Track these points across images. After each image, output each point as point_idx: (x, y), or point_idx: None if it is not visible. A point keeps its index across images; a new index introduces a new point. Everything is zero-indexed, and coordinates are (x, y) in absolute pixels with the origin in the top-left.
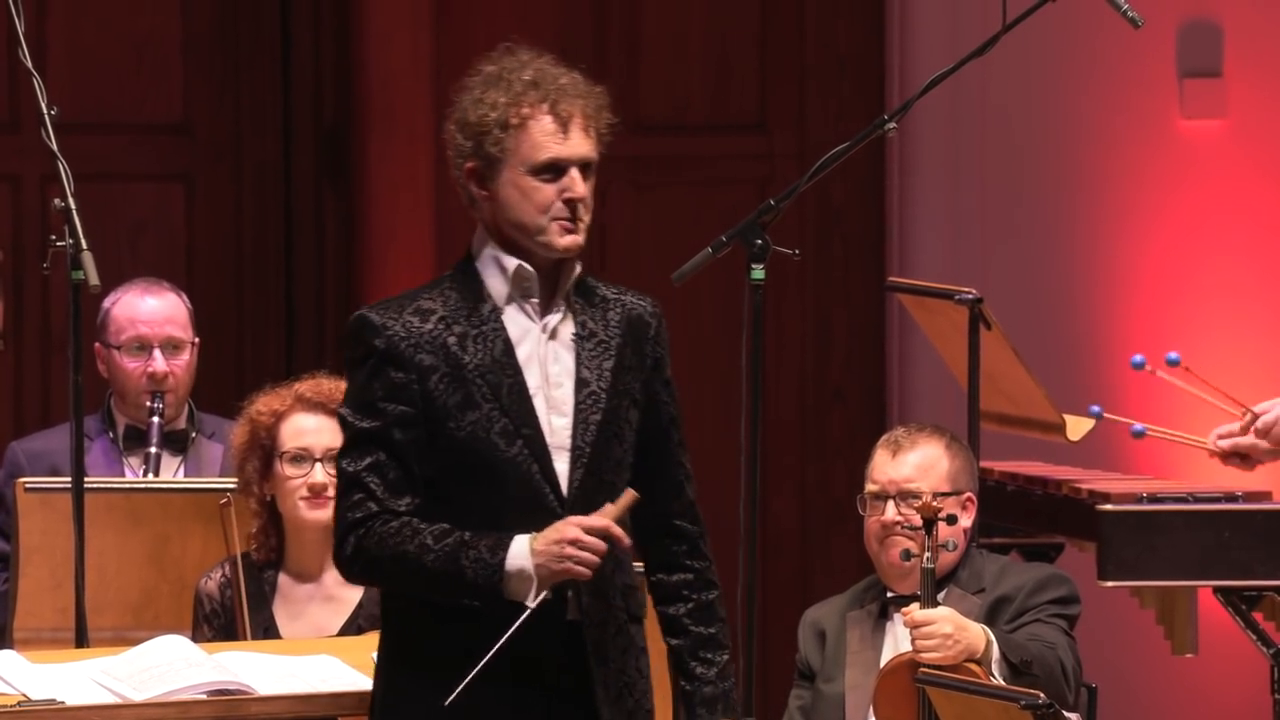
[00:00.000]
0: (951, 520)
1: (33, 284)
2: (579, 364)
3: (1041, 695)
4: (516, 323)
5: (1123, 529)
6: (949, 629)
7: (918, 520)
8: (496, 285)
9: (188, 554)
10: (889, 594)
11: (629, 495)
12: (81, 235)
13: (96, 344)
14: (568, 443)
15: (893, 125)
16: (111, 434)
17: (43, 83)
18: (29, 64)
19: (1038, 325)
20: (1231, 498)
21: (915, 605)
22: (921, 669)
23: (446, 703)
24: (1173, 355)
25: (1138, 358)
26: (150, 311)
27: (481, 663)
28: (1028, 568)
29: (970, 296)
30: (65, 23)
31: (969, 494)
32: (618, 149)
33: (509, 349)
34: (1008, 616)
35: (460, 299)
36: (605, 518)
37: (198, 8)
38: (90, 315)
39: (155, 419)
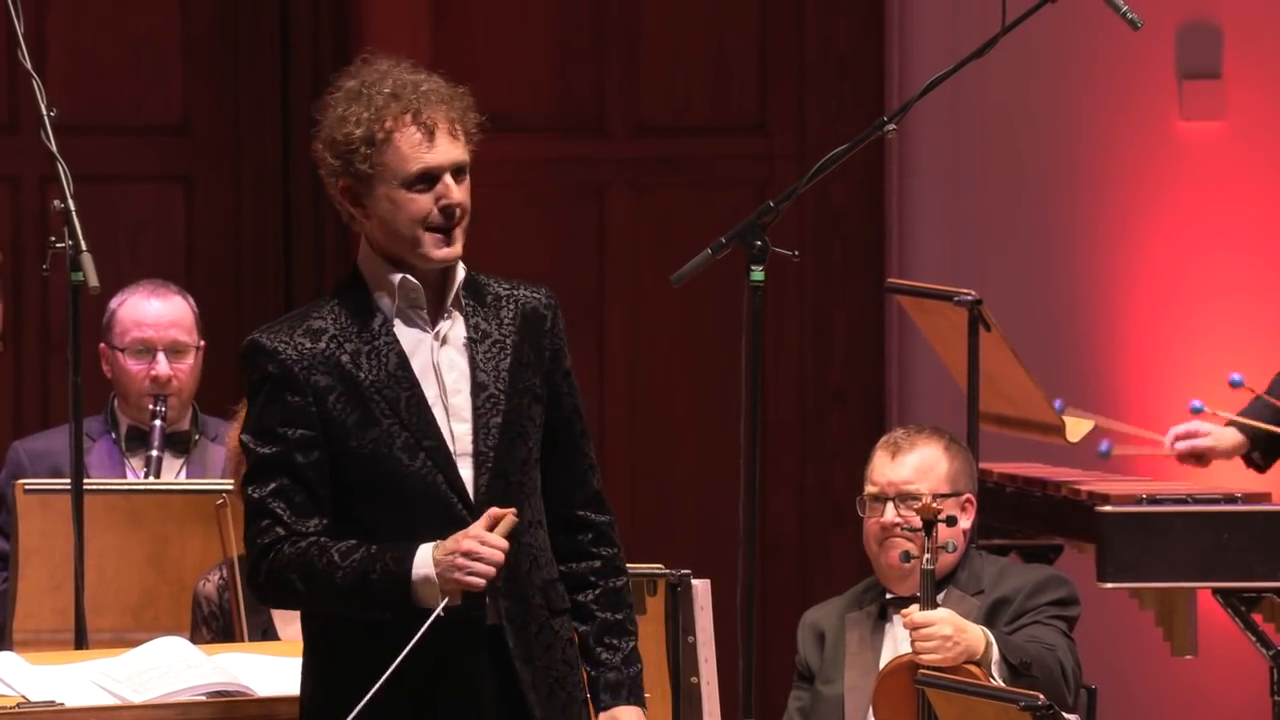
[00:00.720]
0: (951, 522)
1: (32, 285)
2: (474, 368)
3: (1041, 697)
4: (408, 334)
5: (1122, 530)
6: (948, 630)
7: (917, 522)
8: (384, 299)
9: (187, 555)
10: (888, 595)
11: (509, 520)
12: (81, 236)
13: (101, 344)
14: (470, 449)
15: (892, 127)
16: (114, 434)
17: (42, 84)
18: (28, 65)
19: (1037, 327)
20: (1231, 499)
21: (915, 607)
22: (921, 670)
23: (349, 718)
24: (1236, 377)
25: (1196, 403)
26: (155, 314)
27: (387, 672)
28: (1027, 569)
29: (969, 298)
30: (65, 24)
31: (968, 495)
32: (618, 150)
33: (404, 362)
34: (1007, 618)
35: (350, 316)
36: (495, 537)
37: (197, 9)
38: (90, 316)
39: (157, 422)
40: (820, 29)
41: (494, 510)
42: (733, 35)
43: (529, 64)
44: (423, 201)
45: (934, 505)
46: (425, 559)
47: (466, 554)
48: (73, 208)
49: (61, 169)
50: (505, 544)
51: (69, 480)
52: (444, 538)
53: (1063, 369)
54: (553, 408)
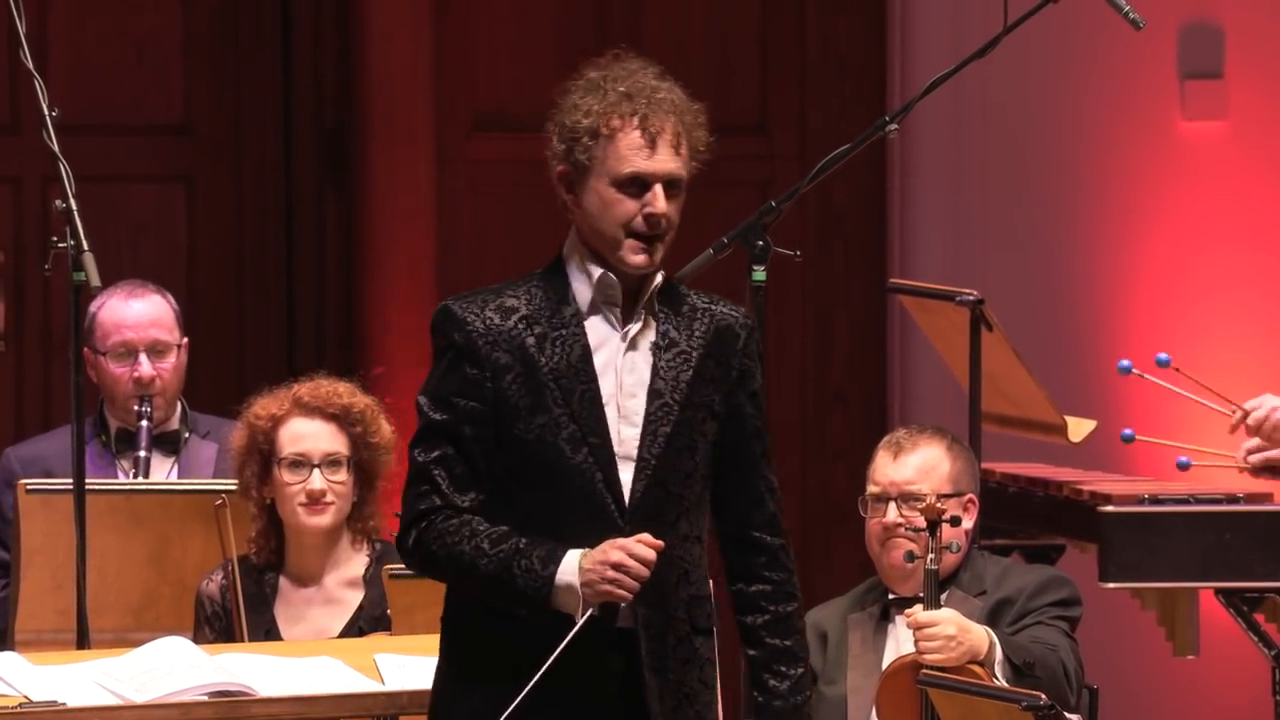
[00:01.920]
0: (955, 522)
1: (34, 285)
2: (654, 374)
3: (1043, 697)
4: (597, 329)
5: (1124, 530)
6: (952, 630)
7: (920, 522)
8: (581, 290)
9: (188, 555)
10: (890, 596)
11: (657, 546)
12: (83, 236)
13: (85, 349)
14: (634, 453)
15: (894, 127)
16: (104, 437)
17: (44, 84)
18: (30, 65)
19: (1039, 326)
20: (1233, 499)
21: (918, 607)
22: (923, 670)
23: None
24: (1162, 356)
25: (1124, 362)
26: (135, 316)
27: (530, 684)
28: (1029, 569)
29: (971, 298)
30: (66, 24)
31: (970, 495)
32: None
33: (586, 355)
34: (1009, 618)
35: (544, 300)
36: (645, 550)
37: (198, 8)
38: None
39: (143, 423)
40: (822, 29)
41: (649, 538)
42: (734, 35)
43: (531, 63)
44: (629, 205)
45: (938, 505)
46: (572, 566)
47: (615, 565)
48: (74, 207)
49: (63, 169)
50: (653, 557)
51: (71, 480)
52: (594, 534)
53: (1065, 369)
54: (732, 427)
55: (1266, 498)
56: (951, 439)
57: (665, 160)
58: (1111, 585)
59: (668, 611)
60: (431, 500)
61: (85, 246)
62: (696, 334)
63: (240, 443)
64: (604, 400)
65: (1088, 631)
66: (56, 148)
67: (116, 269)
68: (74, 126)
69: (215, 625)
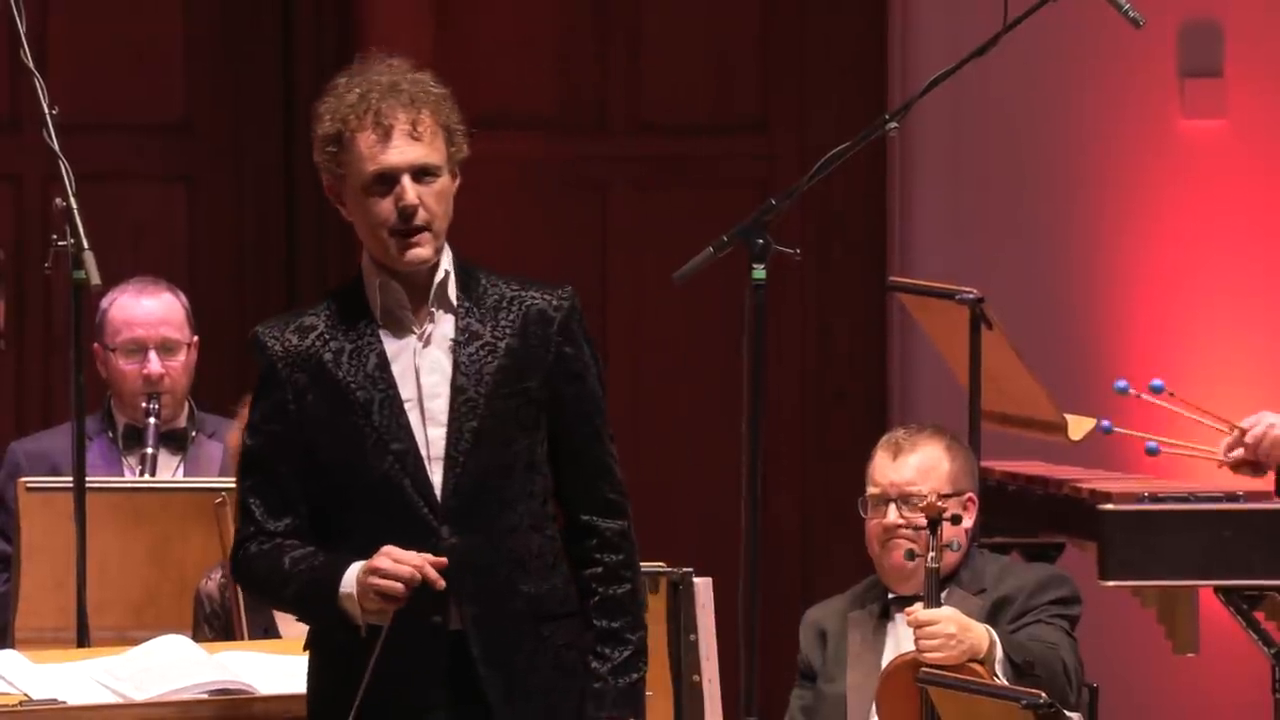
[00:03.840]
0: (955, 520)
1: (34, 284)
2: (456, 370)
3: (1043, 695)
4: (393, 335)
5: (1124, 529)
6: (952, 629)
7: (921, 521)
8: (374, 298)
9: (189, 553)
10: (890, 595)
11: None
12: (83, 235)
13: (95, 345)
14: (443, 453)
15: (894, 125)
16: (111, 433)
17: (44, 83)
18: (30, 64)
19: (1039, 325)
20: (1233, 497)
21: (919, 605)
22: (923, 669)
23: None
24: (1156, 382)
25: (1120, 383)
26: (145, 313)
27: (357, 701)
28: (1029, 568)
29: (971, 296)
30: (67, 23)
31: (970, 494)
32: (619, 149)
33: (383, 363)
34: (1009, 617)
35: (341, 315)
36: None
37: (199, 8)
38: (92, 315)
39: (151, 420)
40: (822, 27)
41: (420, 556)
42: (734, 34)
43: (531, 62)
44: (384, 204)
45: (939, 504)
46: (350, 578)
47: (374, 571)
48: (75, 206)
49: (63, 168)
50: (418, 560)
51: (71, 478)
52: (410, 541)
53: (1064, 367)
54: (558, 411)
55: (1267, 496)
56: (951, 438)
57: (404, 149)
58: (1111, 583)
59: (502, 605)
60: (247, 529)
61: (86, 245)
62: (503, 323)
63: (236, 444)
64: (406, 404)
65: (1087, 630)
66: (57, 146)
67: (117, 268)
68: (74, 125)
69: (214, 624)
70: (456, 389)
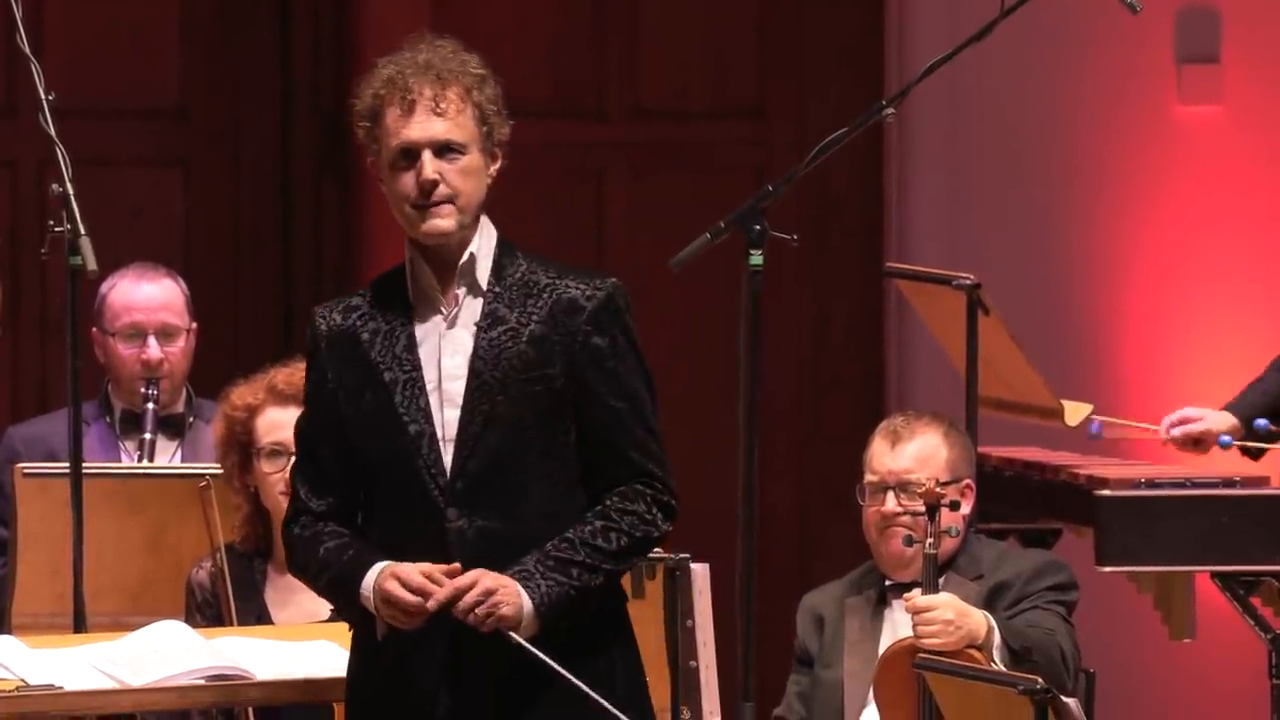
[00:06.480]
0: (954, 506)
1: (30, 269)
2: (475, 355)
3: (1039, 680)
4: (423, 316)
5: (1121, 514)
6: (951, 615)
7: (919, 508)
8: (409, 280)
9: (185, 539)
10: (887, 582)
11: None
12: (79, 220)
13: (94, 329)
14: (455, 435)
15: (891, 111)
16: (108, 418)
17: (40, 68)
18: (26, 49)
19: (1035, 311)
20: (1230, 483)
21: (916, 591)
22: (920, 654)
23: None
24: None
25: (1225, 438)
26: (145, 298)
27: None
28: (1026, 554)
29: (968, 282)
30: (62, 8)
31: (967, 481)
32: (617, 135)
33: (411, 344)
34: (1006, 603)
35: (383, 295)
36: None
37: None
38: (88, 300)
39: (149, 405)
40: (819, 14)
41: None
42: (731, 20)
43: (528, 48)
44: (406, 179)
45: (937, 490)
46: (369, 583)
47: (385, 601)
48: (71, 191)
49: (60, 153)
50: (416, 601)
51: (68, 464)
52: (417, 520)
53: (1061, 353)
54: (588, 406)
55: (1264, 481)
56: (948, 425)
57: (425, 124)
58: (1108, 569)
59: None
60: (293, 508)
61: (82, 230)
62: (530, 309)
63: (219, 433)
64: (428, 385)
65: (1084, 615)
66: (53, 131)
67: (113, 253)
68: (70, 110)
69: (206, 612)
70: (474, 372)
